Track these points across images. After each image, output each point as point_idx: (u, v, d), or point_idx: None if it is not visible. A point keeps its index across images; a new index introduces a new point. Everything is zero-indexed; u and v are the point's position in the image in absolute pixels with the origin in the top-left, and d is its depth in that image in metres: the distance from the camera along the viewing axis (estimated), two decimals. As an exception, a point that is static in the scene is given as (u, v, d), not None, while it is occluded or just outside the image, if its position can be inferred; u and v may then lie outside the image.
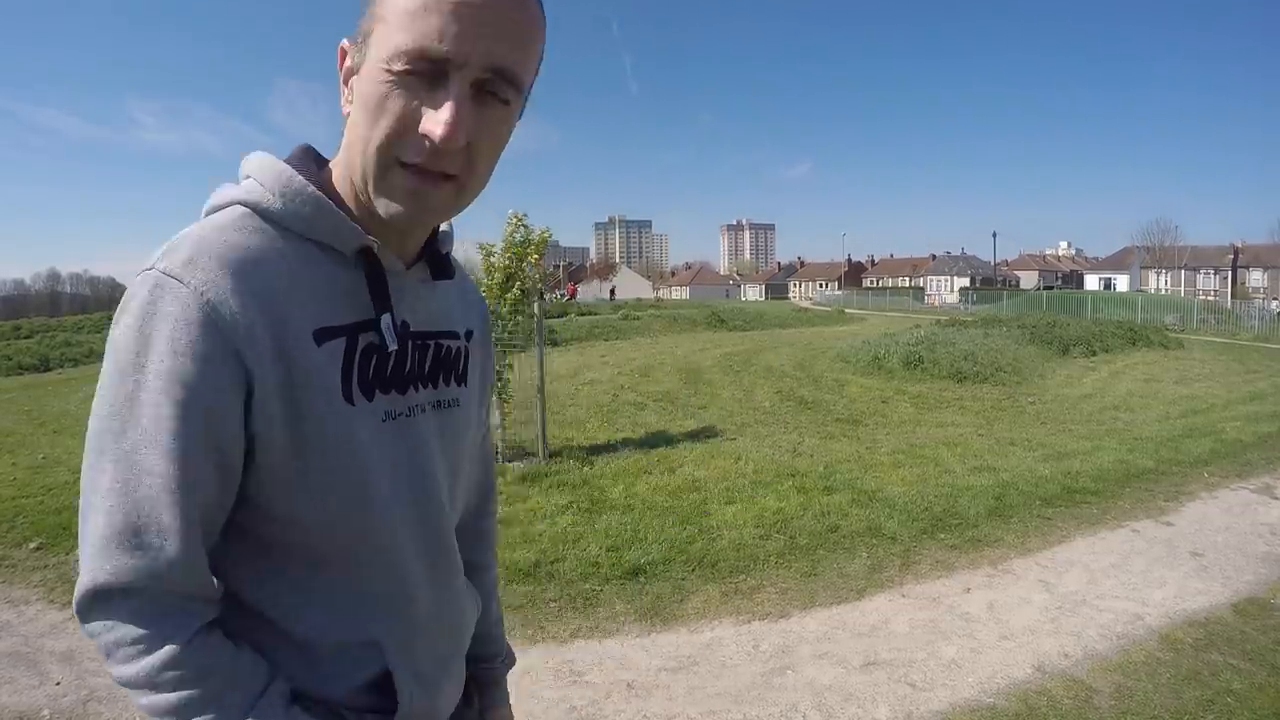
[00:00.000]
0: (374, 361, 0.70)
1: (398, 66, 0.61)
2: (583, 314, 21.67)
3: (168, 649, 0.61)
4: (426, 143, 0.61)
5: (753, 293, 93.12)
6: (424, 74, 0.61)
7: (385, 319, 0.70)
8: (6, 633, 3.21)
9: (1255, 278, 61.96)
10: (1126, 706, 2.62)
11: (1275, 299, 44.58)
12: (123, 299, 0.63)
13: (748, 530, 4.24)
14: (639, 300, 37.51)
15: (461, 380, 0.82)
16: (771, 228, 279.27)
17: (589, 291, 51.63)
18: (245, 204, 0.68)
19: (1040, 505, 4.83)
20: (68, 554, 4.05)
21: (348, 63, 0.68)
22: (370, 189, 0.65)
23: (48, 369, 15.03)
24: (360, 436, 0.68)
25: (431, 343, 0.78)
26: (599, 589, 3.55)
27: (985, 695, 2.71)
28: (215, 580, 0.66)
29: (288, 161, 0.71)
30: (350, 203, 0.71)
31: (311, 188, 0.68)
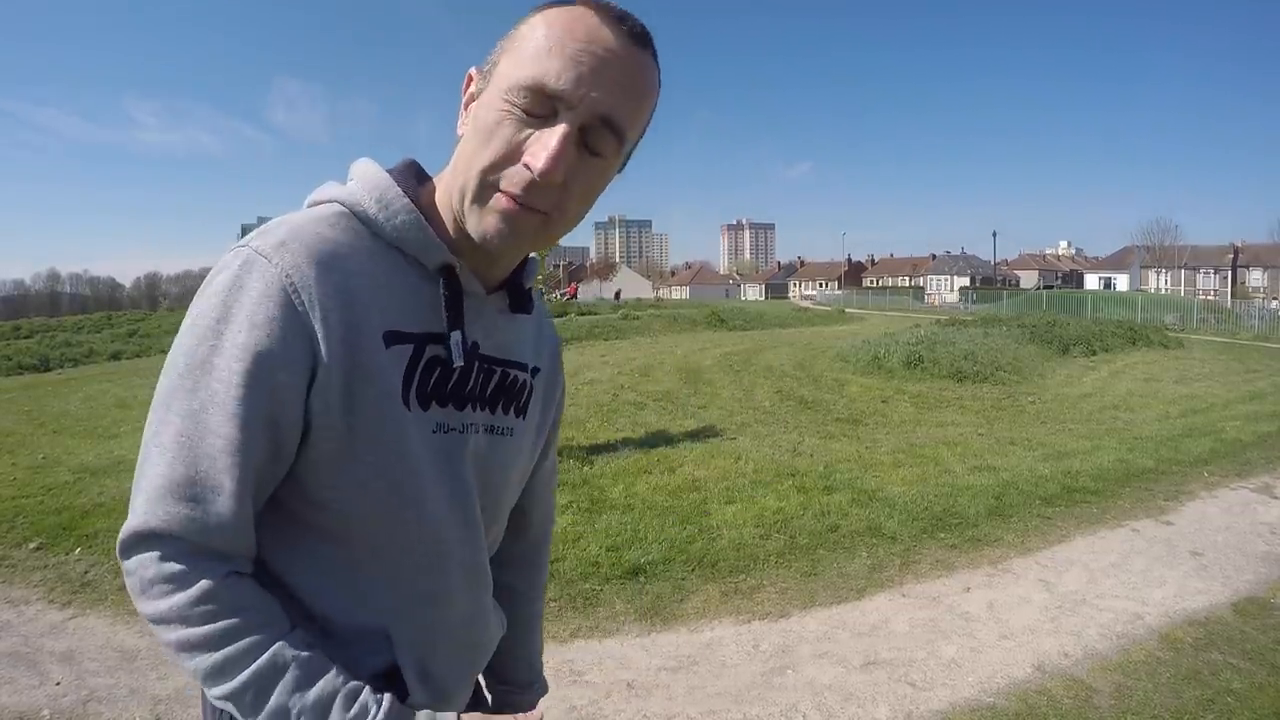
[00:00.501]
0: (436, 374, 0.73)
1: (515, 98, 0.64)
2: (582, 314, 21.68)
3: (202, 585, 0.63)
4: (525, 172, 0.65)
5: (753, 292, 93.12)
6: (537, 110, 0.64)
7: (455, 335, 0.73)
8: (6, 633, 3.21)
9: (1255, 277, 61.99)
10: (1126, 706, 2.62)
11: (1275, 298, 44.57)
12: (212, 271, 0.67)
13: (748, 530, 4.24)
14: (639, 300, 37.53)
15: (521, 413, 0.84)
16: (771, 227, 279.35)
17: (589, 291, 51.28)
18: (344, 203, 0.72)
19: (1040, 505, 4.82)
20: (67, 554, 4.05)
21: (471, 89, 0.72)
22: (465, 205, 0.69)
23: (48, 369, 15.01)
24: (411, 442, 0.71)
25: (498, 369, 0.80)
26: (599, 589, 3.55)
27: (985, 695, 2.71)
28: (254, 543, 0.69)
29: (390, 172, 0.74)
30: (446, 220, 0.74)
31: (406, 200, 0.71)
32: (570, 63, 0.63)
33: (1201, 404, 9.16)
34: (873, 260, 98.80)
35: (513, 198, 0.66)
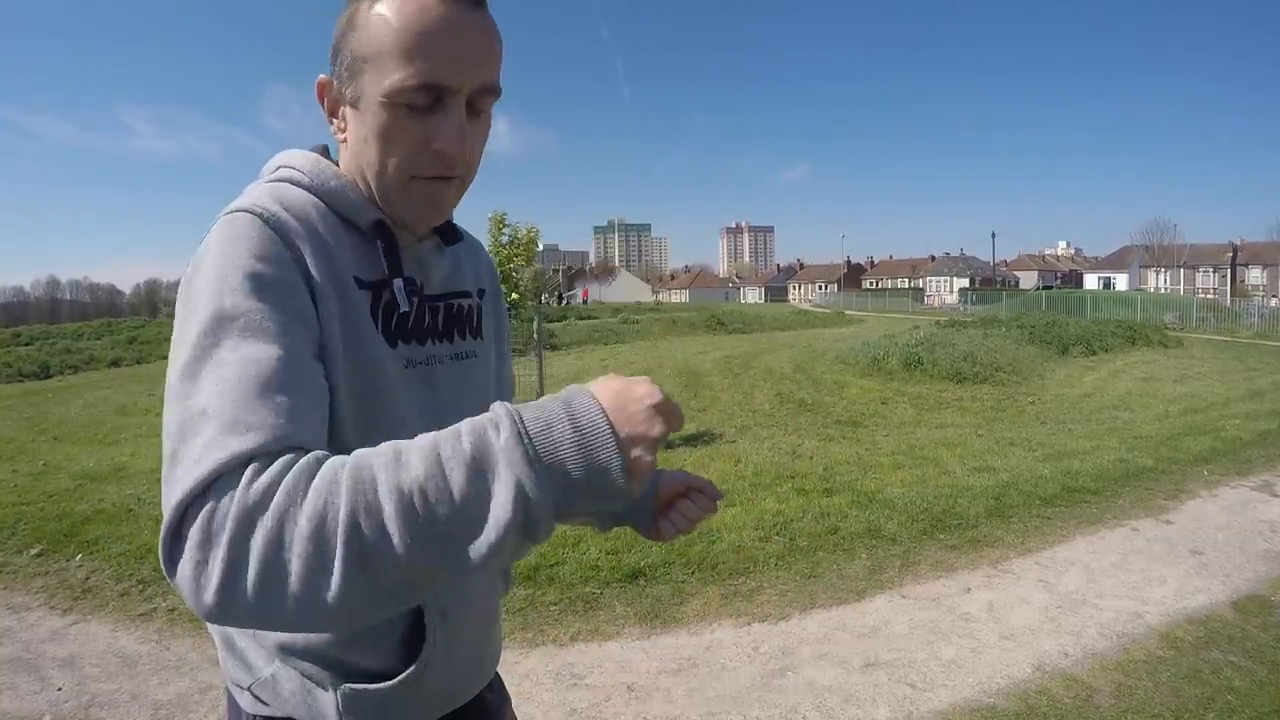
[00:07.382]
0: (395, 316, 0.79)
1: (403, 99, 0.70)
2: (582, 318, 21.71)
3: (295, 471, 0.51)
4: (438, 155, 0.72)
5: (752, 295, 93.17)
6: (424, 102, 0.70)
7: (397, 282, 0.78)
8: (8, 639, 3.21)
9: (1254, 275, 62.01)
10: (1127, 705, 2.62)
11: (1274, 296, 44.59)
12: (198, 251, 0.67)
13: (747, 532, 4.25)
14: (639, 303, 37.52)
15: (476, 334, 0.91)
16: (771, 230, 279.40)
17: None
18: (286, 179, 0.78)
19: (1040, 505, 4.82)
20: (68, 560, 4.06)
21: (331, 95, 0.77)
22: (390, 202, 0.76)
23: (48, 376, 15.04)
24: (390, 379, 0.76)
25: (442, 303, 0.86)
26: (599, 592, 3.56)
27: (985, 695, 2.71)
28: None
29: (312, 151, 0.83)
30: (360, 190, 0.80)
31: (335, 166, 0.79)
32: (442, 54, 0.68)
33: (1201, 402, 9.16)
34: (872, 262, 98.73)
35: (433, 178, 0.74)
